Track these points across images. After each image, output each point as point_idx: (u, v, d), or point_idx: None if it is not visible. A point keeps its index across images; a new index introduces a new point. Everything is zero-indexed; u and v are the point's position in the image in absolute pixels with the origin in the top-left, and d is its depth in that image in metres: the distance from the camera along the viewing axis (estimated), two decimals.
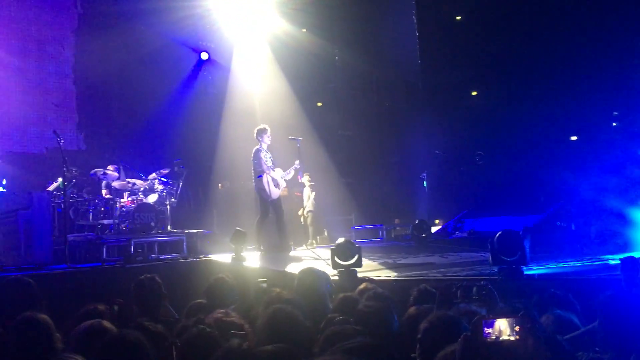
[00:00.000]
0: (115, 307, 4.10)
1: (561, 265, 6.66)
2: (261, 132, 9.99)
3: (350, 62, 15.64)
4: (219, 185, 12.02)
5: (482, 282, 4.06)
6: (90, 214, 9.83)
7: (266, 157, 10.02)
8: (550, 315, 3.43)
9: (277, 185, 9.89)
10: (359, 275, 6.53)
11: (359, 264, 6.57)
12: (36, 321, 3.11)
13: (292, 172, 10.24)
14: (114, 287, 5.82)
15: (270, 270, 7.54)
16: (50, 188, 9.67)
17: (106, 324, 3.28)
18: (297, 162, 10.35)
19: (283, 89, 13.40)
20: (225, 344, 2.75)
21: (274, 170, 9.95)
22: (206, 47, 12.74)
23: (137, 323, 3.29)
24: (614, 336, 2.83)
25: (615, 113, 15.87)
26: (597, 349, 2.99)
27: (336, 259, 6.41)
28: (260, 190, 9.80)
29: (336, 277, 6.17)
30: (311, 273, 4.41)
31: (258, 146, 9.99)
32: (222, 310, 4.11)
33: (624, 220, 8.71)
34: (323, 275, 4.43)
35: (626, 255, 4.33)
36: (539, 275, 5.72)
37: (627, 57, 15.14)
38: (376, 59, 16.20)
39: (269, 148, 10.02)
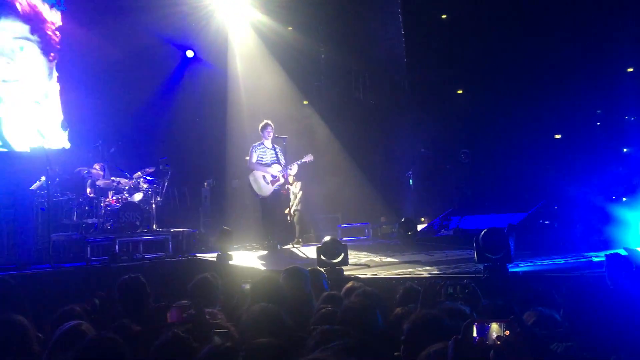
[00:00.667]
0: (97, 301, 4.08)
1: (545, 262, 6.71)
2: (263, 127, 10.06)
3: (337, 61, 15.65)
4: (205, 183, 11.97)
5: (465, 281, 4.08)
6: (75, 213, 9.74)
7: (263, 153, 10.03)
8: (532, 312, 3.45)
9: (268, 182, 9.88)
10: (345, 273, 6.53)
11: (345, 262, 6.58)
12: (11, 323, 3.06)
13: (295, 167, 10.26)
14: (99, 287, 5.75)
15: (256, 269, 7.53)
16: (34, 187, 9.55)
17: (84, 326, 3.24)
18: (308, 155, 10.35)
19: (270, 87, 13.37)
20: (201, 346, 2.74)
21: (270, 167, 9.95)
22: (192, 45, 12.67)
23: (118, 323, 3.27)
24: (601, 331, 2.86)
25: (599, 111, 16.03)
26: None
27: (322, 257, 6.41)
28: (249, 187, 9.81)
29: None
30: (295, 272, 4.39)
31: (257, 142, 10.04)
32: (208, 310, 4.10)
33: (607, 218, 8.80)
34: (308, 274, 4.42)
35: (611, 252, 4.36)
36: (524, 272, 5.76)
37: (610, 55, 15.30)
38: (362, 58, 16.22)
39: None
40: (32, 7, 12.10)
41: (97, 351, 2.67)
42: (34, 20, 12.11)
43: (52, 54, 12.30)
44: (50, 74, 12.29)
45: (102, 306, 4.52)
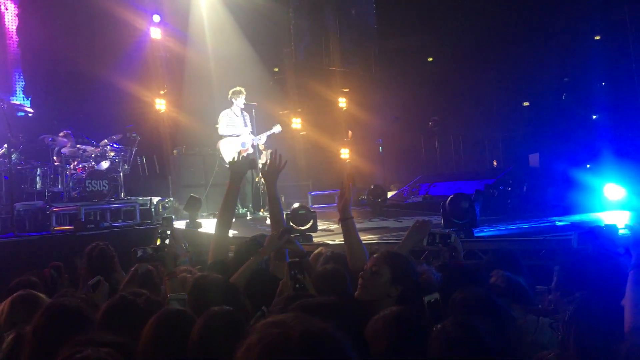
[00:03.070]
0: (53, 271, 4.04)
1: (510, 227, 6.83)
2: (235, 93, 9.97)
3: (307, 27, 15.46)
4: (174, 151, 11.82)
5: (447, 231, 4.17)
6: (39, 181, 9.53)
7: (233, 121, 9.93)
8: (499, 273, 3.51)
9: (237, 150, 9.83)
10: (314, 240, 6.57)
11: (314, 228, 6.62)
12: None
13: (264, 137, 10.21)
14: (64, 256, 5.68)
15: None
16: None
17: (37, 293, 3.20)
18: (277, 126, 10.32)
19: (239, 54, 13.18)
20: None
21: (239, 135, 9.88)
22: (159, 10, 12.33)
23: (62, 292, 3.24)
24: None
25: (566, 79, 16.21)
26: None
27: (291, 223, 6.42)
28: (218, 154, 9.75)
29: None
30: (261, 240, 4.29)
31: (228, 109, 9.92)
32: (188, 269, 4.08)
33: (572, 183, 8.98)
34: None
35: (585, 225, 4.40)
36: (488, 236, 5.87)
37: (578, 23, 15.41)
38: (332, 25, 16.06)
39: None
40: None
41: (61, 314, 2.64)
42: None
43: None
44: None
45: (57, 275, 4.45)
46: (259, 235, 4.47)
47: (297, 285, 3.11)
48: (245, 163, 4.55)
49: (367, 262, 3.25)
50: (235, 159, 4.41)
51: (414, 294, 2.84)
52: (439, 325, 2.20)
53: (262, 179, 11.19)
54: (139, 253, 3.75)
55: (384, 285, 3.06)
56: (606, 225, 4.61)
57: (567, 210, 8.02)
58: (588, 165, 10.93)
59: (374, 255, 3.22)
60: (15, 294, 3.18)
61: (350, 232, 3.72)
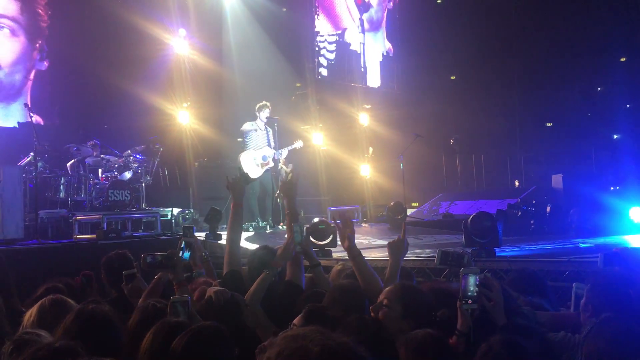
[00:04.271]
0: (83, 278, 4.06)
1: (533, 247, 6.75)
2: (261, 107, 10.06)
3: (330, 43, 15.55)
4: (195, 163, 11.91)
5: (461, 251, 4.10)
6: (63, 190, 9.65)
7: (256, 135, 10.02)
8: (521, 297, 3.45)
9: (258, 164, 9.91)
10: (334, 255, 6.54)
11: (334, 243, 6.58)
12: None
13: (286, 152, 10.27)
14: (86, 264, 5.72)
15: (244, 248, 7.51)
16: (22, 163, 9.46)
17: (67, 299, 3.22)
18: (299, 141, 10.38)
19: (263, 68, 13.28)
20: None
21: (261, 149, 9.95)
22: (185, 24, 12.50)
23: (91, 299, 3.26)
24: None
25: (590, 100, 16.04)
26: None
27: (311, 238, 6.40)
28: (239, 168, 9.82)
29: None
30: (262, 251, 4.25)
31: (251, 121, 10.02)
32: (207, 281, 4.08)
33: (597, 205, 8.86)
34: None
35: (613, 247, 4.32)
36: (511, 256, 5.79)
37: (605, 46, 15.30)
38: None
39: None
40: None
41: (90, 321, 2.66)
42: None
43: (39, 41, 12.16)
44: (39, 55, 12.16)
45: (86, 283, 4.49)
46: (262, 247, 4.43)
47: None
48: (241, 180, 4.57)
49: (380, 293, 3.16)
50: (229, 179, 4.46)
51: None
52: (485, 344, 2.15)
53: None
54: (149, 259, 3.73)
55: (395, 320, 2.95)
56: (632, 248, 4.55)
57: (591, 233, 7.90)
58: (612, 188, 10.79)
59: (387, 289, 3.13)
60: (45, 298, 3.20)
61: (361, 268, 3.66)
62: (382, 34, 17.42)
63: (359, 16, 16.48)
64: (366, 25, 16.67)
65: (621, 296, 2.79)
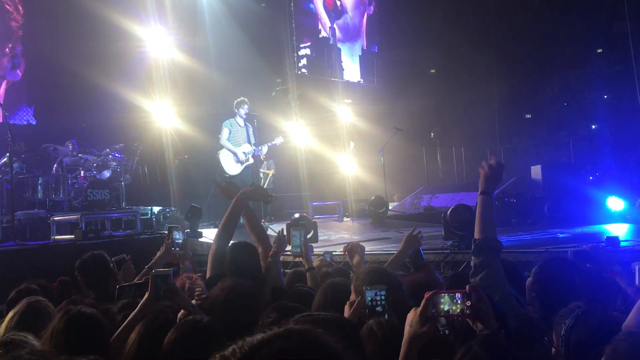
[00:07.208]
0: (60, 285, 4.01)
1: (512, 238, 6.81)
2: (239, 104, 9.97)
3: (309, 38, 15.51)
4: (175, 161, 11.81)
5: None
6: (41, 190, 9.54)
7: (236, 131, 9.96)
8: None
9: (238, 161, 9.86)
10: (315, 251, 6.53)
11: (315, 239, 6.60)
12: None
13: (266, 148, 10.23)
14: (65, 265, 5.65)
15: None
16: None
17: (42, 301, 3.19)
18: (279, 137, 10.33)
19: (242, 64, 13.19)
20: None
21: (240, 146, 9.89)
22: (163, 20, 12.35)
23: (69, 299, 3.23)
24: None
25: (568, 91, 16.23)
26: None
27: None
28: (219, 164, 9.76)
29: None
30: (242, 247, 4.15)
31: (231, 118, 9.95)
32: (189, 275, 4.04)
33: (576, 196, 8.97)
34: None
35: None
36: None
37: (582, 37, 15.46)
38: (335, 36, 16.10)
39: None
40: None
41: (78, 323, 2.66)
42: None
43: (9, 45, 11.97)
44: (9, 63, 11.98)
45: (63, 289, 4.43)
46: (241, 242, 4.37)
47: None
48: (255, 194, 4.58)
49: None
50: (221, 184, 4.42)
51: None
52: (465, 346, 2.11)
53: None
54: (125, 289, 3.57)
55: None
56: (607, 238, 4.60)
57: (570, 223, 8.00)
58: (591, 178, 10.92)
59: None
60: (24, 302, 3.17)
61: None
62: (360, 43, 17.16)
63: (329, 24, 16.10)
64: (339, 34, 16.34)
65: (581, 291, 2.84)
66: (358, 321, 2.68)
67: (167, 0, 12.24)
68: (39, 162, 10.14)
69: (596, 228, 7.53)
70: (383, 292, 2.64)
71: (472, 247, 2.96)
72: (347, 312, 2.80)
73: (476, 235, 2.99)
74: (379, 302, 2.63)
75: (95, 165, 10.15)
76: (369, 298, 2.63)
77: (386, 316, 2.60)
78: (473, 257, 2.91)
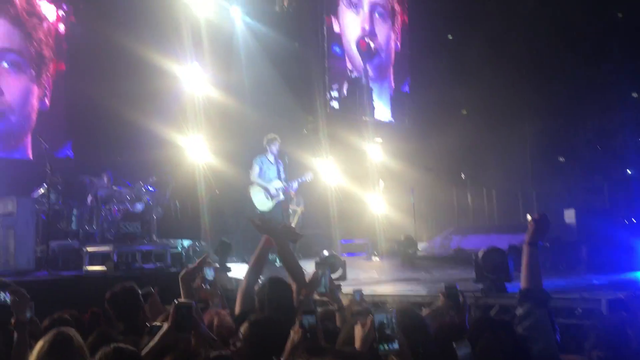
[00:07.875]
0: (92, 318, 4.05)
1: (545, 282, 6.64)
2: (270, 141, 10.11)
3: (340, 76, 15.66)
4: (207, 195, 11.94)
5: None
6: (75, 221, 9.73)
7: (267, 168, 10.07)
8: None
9: (269, 197, 9.93)
10: (344, 290, 6.48)
11: (343, 277, 6.56)
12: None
13: (296, 184, 10.29)
14: (96, 296, 5.71)
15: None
16: (35, 195, 9.57)
17: (71, 332, 3.22)
18: (308, 174, 10.39)
19: (274, 101, 13.39)
20: None
21: (271, 182, 9.98)
22: (198, 57, 12.66)
23: (99, 331, 3.25)
24: None
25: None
26: None
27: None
28: (249, 200, 9.83)
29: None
30: (275, 283, 4.17)
31: (262, 155, 10.06)
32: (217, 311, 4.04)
33: (611, 241, 8.75)
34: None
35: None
36: None
37: (617, 80, 15.34)
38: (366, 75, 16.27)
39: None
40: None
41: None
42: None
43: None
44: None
45: (94, 320, 4.48)
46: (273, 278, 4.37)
47: (308, 335, 2.98)
48: (284, 234, 4.59)
49: None
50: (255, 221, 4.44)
51: None
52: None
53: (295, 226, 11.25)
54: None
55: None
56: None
57: (605, 268, 7.80)
58: (626, 222, 10.67)
59: None
60: (53, 333, 3.19)
61: None
62: (388, 80, 17.29)
63: (362, 65, 16.19)
64: (371, 74, 16.41)
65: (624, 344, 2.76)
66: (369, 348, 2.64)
67: (204, 39, 12.55)
68: (74, 193, 10.36)
69: (632, 275, 7.33)
70: (391, 317, 2.59)
71: (519, 296, 2.94)
72: (357, 336, 2.75)
73: (523, 285, 2.98)
74: (387, 326, 2.58)
75: (128, 198, 10.33)
76: (377, 322, 2.58)
77: (396, 342, 2.54)
78: (518, 307, 2.89)
